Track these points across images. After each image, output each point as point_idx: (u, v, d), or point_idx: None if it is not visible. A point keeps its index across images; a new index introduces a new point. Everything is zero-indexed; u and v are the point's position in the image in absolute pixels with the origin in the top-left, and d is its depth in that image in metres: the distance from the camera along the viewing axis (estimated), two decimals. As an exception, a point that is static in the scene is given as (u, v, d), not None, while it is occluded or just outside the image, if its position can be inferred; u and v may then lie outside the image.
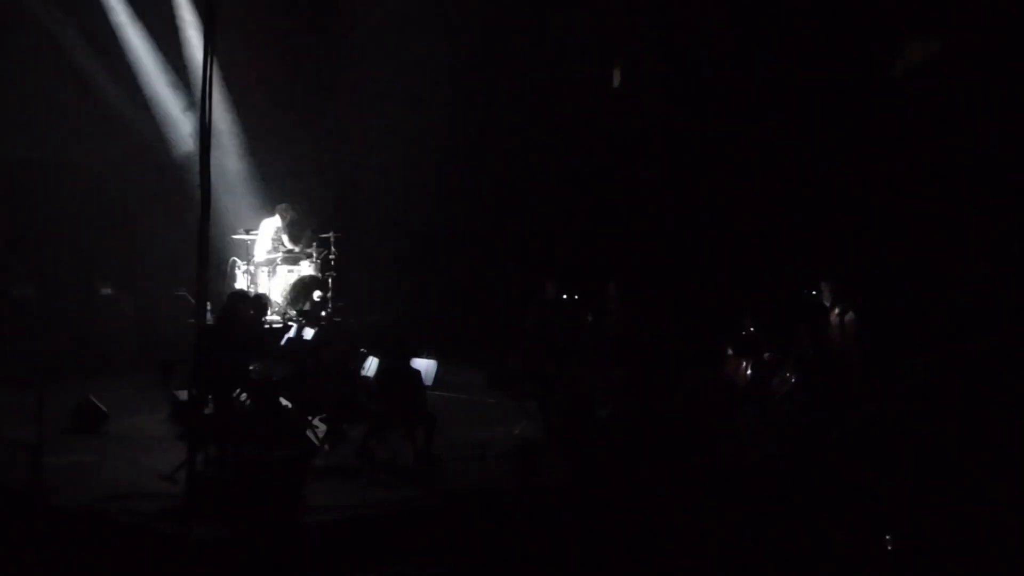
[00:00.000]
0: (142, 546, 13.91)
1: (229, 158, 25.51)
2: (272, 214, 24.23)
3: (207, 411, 15.82)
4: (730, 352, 22.34)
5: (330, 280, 24.02)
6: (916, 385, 21.60)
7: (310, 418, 17.86)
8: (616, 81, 25.79)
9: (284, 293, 23.47)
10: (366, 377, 18.68)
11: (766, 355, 22.12)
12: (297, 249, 23.97)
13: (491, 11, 25.16)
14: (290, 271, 23.79)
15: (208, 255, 14.74)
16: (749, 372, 22.07)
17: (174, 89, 25.14)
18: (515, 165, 25.54)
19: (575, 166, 25.36)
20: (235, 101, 25.43)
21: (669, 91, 24.91)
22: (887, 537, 14.98)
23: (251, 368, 17.65)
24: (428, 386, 18.86)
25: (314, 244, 24.19)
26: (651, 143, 25.06)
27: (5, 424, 16.63)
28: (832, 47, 23.12)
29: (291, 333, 20.71)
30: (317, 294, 23.49)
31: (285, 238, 24.06)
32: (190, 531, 13.61)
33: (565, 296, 24.25)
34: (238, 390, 17.04)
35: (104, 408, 18.86)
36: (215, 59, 14.54)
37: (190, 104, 25.10)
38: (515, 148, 25.52)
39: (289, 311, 23.09)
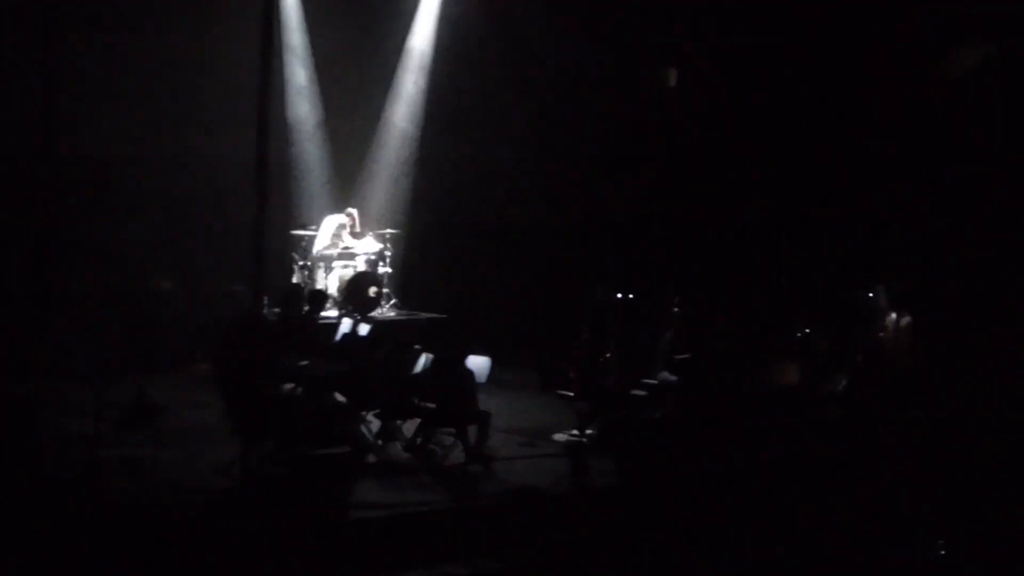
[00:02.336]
0: (195, 540, 13.99)
1: (307, 150, 25.61)
2: (336, 211, 24.30)
3: (261, 407, 15.87)
4: (780, 352, 22.28)
5: (386, 277, 24.06)
6: (969, 392, 21.49)
7: (363, 414, 17.91)
8: (672, 80, 25.72)
9: (340, 289, 23.54)
10: (419, 374, 18.70)
11: (819, 358, 22.05)
12: (355, 247, 24.01)
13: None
14: (346, 267, 23.85)
15: (264, 250, 14.83)
16: (799, 373, 21.99)
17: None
18: (573, 161, 25.48)
19: (633, 164, 25.27)
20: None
21: (726, 89, 24.82)
22: (939, 542, 14.92)
23: (304, 364, 17.74)
24: (481, 384, 18.88)
25: (370, 240, 24.23)
26: (711, 143, 24.96)
27: (61, 418, 16.76)
28: (895, 47, 23.00)
29: (345, 329, 20.78)
30: (372, 290, 23.53)
31: (345, 234, 24.12)
32: (243, 526, 13.68)
33: (619, 295, 24.27)
34: (287, 384, 17.16)
35: (159, 402, 18.97)
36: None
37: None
38: (573, 144, 25.46)
39: (344, 307, 23.14)
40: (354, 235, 24.21)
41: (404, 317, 23.93)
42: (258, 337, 16.17)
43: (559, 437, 19.24)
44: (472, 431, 17.49)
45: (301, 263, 23.75)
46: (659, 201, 24.85)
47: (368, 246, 24.04)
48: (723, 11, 24.39)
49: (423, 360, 19.18)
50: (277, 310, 20.30)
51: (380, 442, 17.58)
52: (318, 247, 23.90)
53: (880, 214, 23.47)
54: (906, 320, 21.52)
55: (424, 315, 24.29)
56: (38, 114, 16.46)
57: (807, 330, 22.19)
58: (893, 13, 22.78)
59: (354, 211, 24.44)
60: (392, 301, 24.05)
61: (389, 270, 24.15)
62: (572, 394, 19.61)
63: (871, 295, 22.05)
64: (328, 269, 23.83)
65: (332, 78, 25.73)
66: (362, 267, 23.89)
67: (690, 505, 16.68)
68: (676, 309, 21.15)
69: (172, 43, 23.68)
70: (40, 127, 16.20)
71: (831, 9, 23.36)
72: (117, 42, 23.13)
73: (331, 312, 22.66)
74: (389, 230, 24.39)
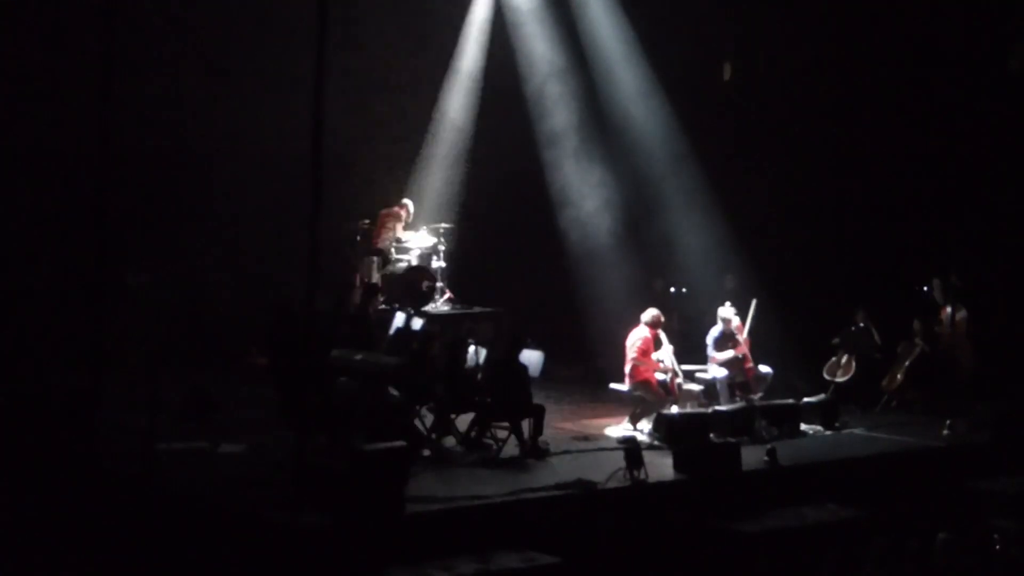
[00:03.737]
0: (250, 534, 14.08)
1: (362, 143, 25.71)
2: (391, 206, 24.31)
3: (316, 401, 15.93)
4: (838, 345, 22.24)
5: (440, 271, 24.08)
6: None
7: (418, 408, 17.96)
8: (727, 74, 25.70)
9: (394, 283, 23.54)
10: (473, 368, 18.74)
11: (877, 354, 22.01)
12: (409, 241, 24.03)
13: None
14: (400, 261, 23.86)
15: (318, 246, 14.86)
16: (854, 367, 21.95)
17: None
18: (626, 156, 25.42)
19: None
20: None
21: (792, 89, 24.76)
22: (994, 536, 14.86)
23: (359, 357, 17.80)
24: (534, 378, 18.90)
25: (424, 234, 24.24)
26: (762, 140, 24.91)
27: (119, 412, 16.88)
28: (958, 44, 22.89)
29: (399, 323, 20.84)
30: (426, 284, 23.55)
31: (399, 228, 24.13)
32: (298, 519, 13.75)
33: (672, 289, 24.24)
34: (342, 378, 17.24)
35: (215, 396, 19.11)
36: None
37: None
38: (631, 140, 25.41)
39: (399, 301, 23.15)
40: (408, 228, 24.21)
41: (458, 311, 23.93)
42: (308, 331, 16.21)
43: (613, 431, 19.25)
44: (526, 425, 17.53)
45: (357, 257, 23.76)
46: (712, 192, 24.73)
47: (422, 240, 24.04)
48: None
49: (477, 354, 19.24)
50: (332, 305, 20.35)
51: (435, 436, 17.63)
52: (373, 241, 23.92)
53: (937, 208, 23.37)
54: (961, 314, 21.45)
55: (478, 309, 24.31)
56: (97, 106, 16.50)
57: (862, 324, 22.16)
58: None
59: (408, 203, 24.43)
60: (446, 295, 24.06)
61: (443, 264, 24.14)
62: (625, 388, 19.65)
63: (927, 289, 22.00)
64: (383, 263, 23.84)
65: (388, 70, 25.76)
66: (416, 261, 23.89)
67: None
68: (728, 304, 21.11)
69: (228, 36, 23.83)
70: (98, 119, 16.25)
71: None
72: (176, 35, 23.32)
73: (385, 306, 22.71)
74: (443, 224, 24.36)
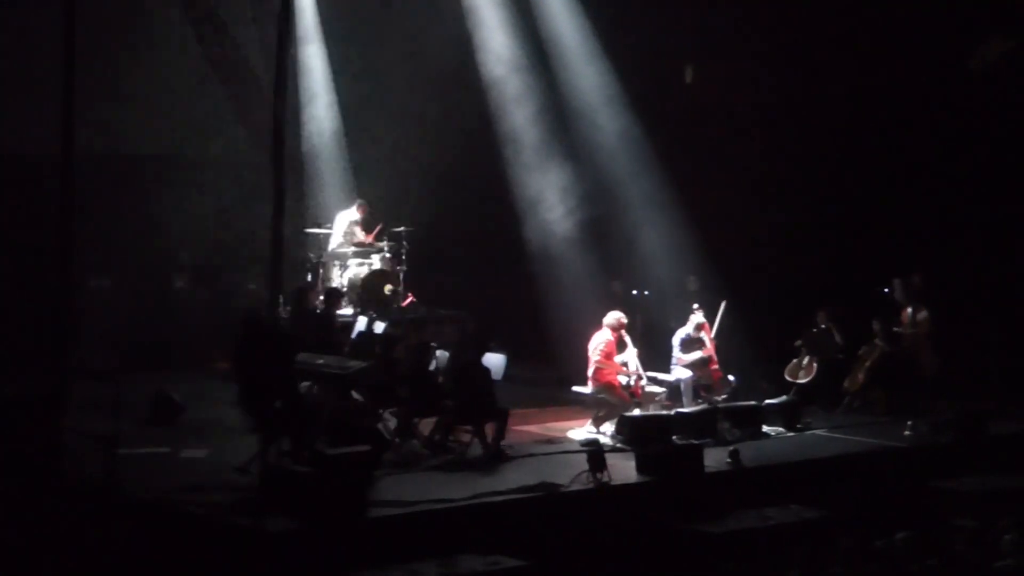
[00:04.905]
0: (215, 538, 14.05)
1: (322, 151, 25.65)
2: (348, 207, 24.28)
3: (278, 404, 15.91)
4: (799, 347, 22.30)
5: (401, 274, 24.07)
6: (989, 386, 21.54)
7: (381, 412, 17.95)
8: (689, 77, 25.77)
9: (356, 286, 23.52)
10: (436, 372, 18.74)
11: (839, 354, 22.08)
12: (368, 242, 24.01)
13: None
14: (361, 264, 23.84)
15: (282, 249, 14.86)
16: (815, 368, 22.00)
17: None
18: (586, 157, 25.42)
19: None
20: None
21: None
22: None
23: (321, 362, 17.78)
24: (497, 381, 18.90)
25: (385, 238, 24.21)
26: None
27: (81, 416, 16.81)
28: (919, 45, 22.98)
29: (361, 327, 20.83)
30: (388, 288, 23.54)
31: (358, 230, 24.09)
32: (262, 523, 13.73)
33: (635, 292, 24.25)
34: (304, 382, 17.24)
35: (179, 400, 19.06)
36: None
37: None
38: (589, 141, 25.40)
39: (360, 305, 23.14)
40: (367, 229, 24.17)
41: (421, 315, 23.94)
42: (270, 337, 16.17)
43: (576, 434, 19.27)
44: (490, 428, 17.54)
45: (317, 261, 23.73)
46: (673, 194, 24.74)
47: (383, 243, 24.02)
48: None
49: (440, 357, 19.23)
50: (289, 308, 20.33)
51: (398, 439, 17.61)
52: (332, 245, 23.89)
53: (898, 209, 23.49)
54: (923, 315, 21.57)
55: (440, 312, 24.32)
56: (57, 114, 16.45)
57: (824, 325, 22.24)
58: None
59: (364, 202, 24.35)
60: (408, 298, 24.05)
61: (405, 267, 24.13)
62: (588, 390, 19.67)
63: (887, 290, 22.10)
64: (343, 267, 23.81)
65: (350, 76, 25.74)
66: (378, 265, 23.88)
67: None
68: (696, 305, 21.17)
69: (190, 45, 23.81)
70: (59, 126, 16.20)
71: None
72: (136, 44, 23.27)
73: (347, 310, 22.69)
74: (405, 227, 24.30)
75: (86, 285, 22.12)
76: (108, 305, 22.56)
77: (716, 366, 20.69)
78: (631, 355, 19.78)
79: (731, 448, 17.98)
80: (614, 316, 19.85)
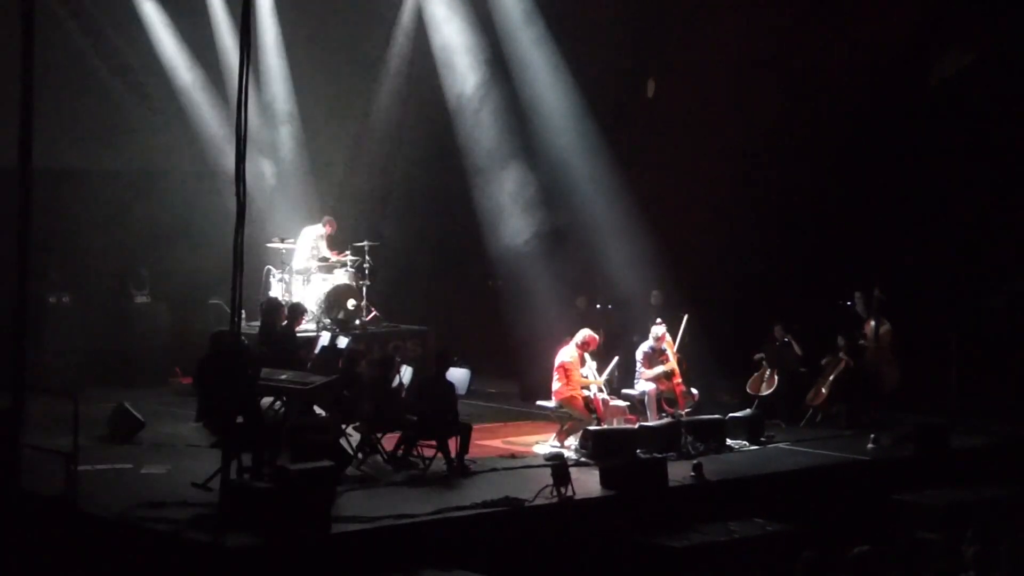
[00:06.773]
0: (175, 554, 13.95)
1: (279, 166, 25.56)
2: (314, 222, 24.19)
3: (239, 420, 15.82)
4: (761, 361, 22.31)
5: (364, 289, 24.00)
6: (951, 399, 21.59)
7: (344, 427, 17.88)
8: (651, 91, 25.76)
9: (319, 302, 23.44)
10: (399, 387, 18.68)
11: (800, 367, 22.10)
12: (333, 258, 23.94)
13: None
14: (324, 280, 23.76)
15: (243, 263, 14.75)
16: (776, 382, 22.01)
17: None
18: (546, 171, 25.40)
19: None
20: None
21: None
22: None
23: (284, 377, 17.70)
24: (461, 395, 18.86)
25: (348, 253, 24.13)
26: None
27: (40, 432, 16.68)
28: (880, 58, 23.03)
29: (324, 342, 20.76)
30: (351, 303, 23.49)
31: (323, 246, 24.03)
32: (223, 540, 13.63)
33: (599, 306, 24.23)
34: (267, 398, 17.17)
35: (139, 416, 18.95)
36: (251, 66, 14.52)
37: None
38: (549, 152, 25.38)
39: (324, 320, 23.07)
40: (331, 245, 24.10)
41: (384, 330, 23.89)
42: (233, 354, 16.06)
43: (540, 448, 19.24)
44: (453, 443, 17.50)
45: (279, 276, 23.63)
46: (636, 209, 24.73)
47: (346, 258, 23.95)
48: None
49: (403, 373, 19.19)
50: (256, 323, 20.25)
51: (361, 455, 17.55)
52: (296, 260, 23.79)
53: (860, 222, 23.54)
54: (885, 328, 21.62)
55: (404, 327, 24.27)
56: (14, 126, 16.30)
57: (785, 339, 22.25)
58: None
59: (331, 219, 24.29)
60: (371, 313, 23.99)
61: (368, 282, 24.06)
62: (551, 405, 19.64)
63: (849, 303, 22.15)
64: (307, 282, 23.72)
65: (312, 92, 25.69)
66: (341, 280, 23.81)
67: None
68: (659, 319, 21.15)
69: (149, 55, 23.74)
70: (16, 140, 16.06)
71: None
72: (93, 53, 23.17)
73: (311, 325, 22.61)
74: (368, 242, 24.22)
75: (46, 301, 22.00)
76: (67, 321, 22.44)
77: (679, 380, 20.66)
78: (593, 370, 19.75)
79: (695, 462, 17.98)
80: (584, 335, 19.78)
